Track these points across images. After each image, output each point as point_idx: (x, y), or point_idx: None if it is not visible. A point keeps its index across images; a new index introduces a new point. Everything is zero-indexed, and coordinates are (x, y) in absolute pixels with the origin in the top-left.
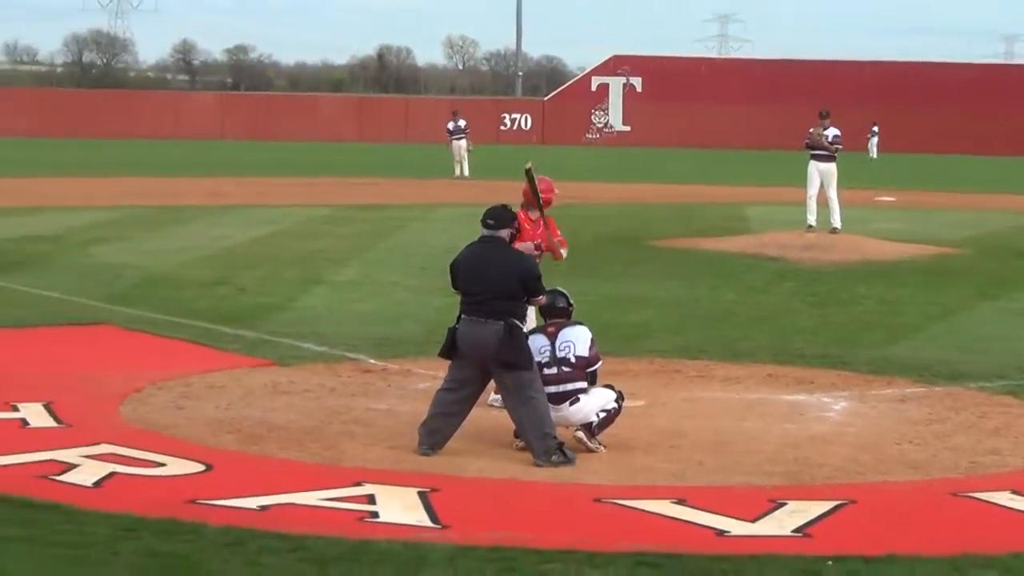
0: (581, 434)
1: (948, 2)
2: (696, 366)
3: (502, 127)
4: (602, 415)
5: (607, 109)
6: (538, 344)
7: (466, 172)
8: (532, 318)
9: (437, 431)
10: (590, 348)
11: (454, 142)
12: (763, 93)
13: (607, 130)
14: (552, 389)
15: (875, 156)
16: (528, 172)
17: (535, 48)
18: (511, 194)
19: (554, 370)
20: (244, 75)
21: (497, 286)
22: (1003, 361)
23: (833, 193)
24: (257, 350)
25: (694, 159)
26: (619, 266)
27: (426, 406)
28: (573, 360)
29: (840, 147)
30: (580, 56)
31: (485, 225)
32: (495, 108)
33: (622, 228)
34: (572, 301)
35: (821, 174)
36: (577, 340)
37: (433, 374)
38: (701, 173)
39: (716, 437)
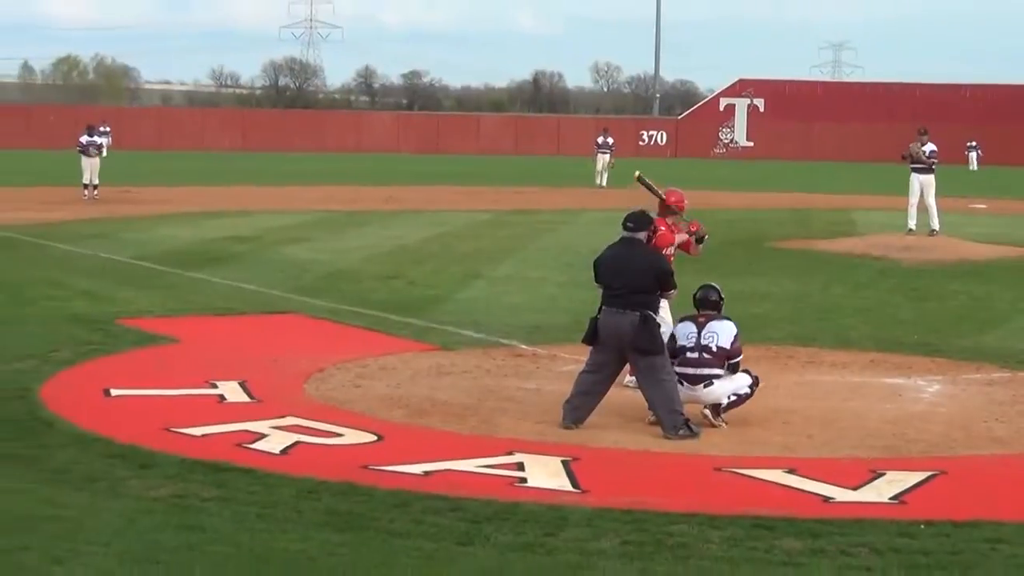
0: (708, 411)
1: None
2: (807, 352)
3: (640, 142)
4: (732, 398)
5: (733, 127)
6: (686, 330)
7: (604, 183)
8: (666, 310)
9: (579, 408)
10: (732, 342)
11: (599, 155)
12: (872, 112)
13: (733, 145)
14: (691, 371)
15: (975, 168)
16: (639, 179)
17: (671, 73)
18: (645, 199)
19: (696, 355)
20: (418, 97)
21: (635, 281)
22: None
23: (932, 200)
24: (424, 336)
25: (809, 171)
26: (741, 264)
27: (570, 386)
28: (715, 349)
29: (936, 161)
30: (710, 80)
31: (625, 228)
32: (635, 126)
33: (744, 231)
34: (723, 295)
35: (921, 184)
36: (721, 332)
37: (577, 358)
38: (815, 183)
39: (824, 414)
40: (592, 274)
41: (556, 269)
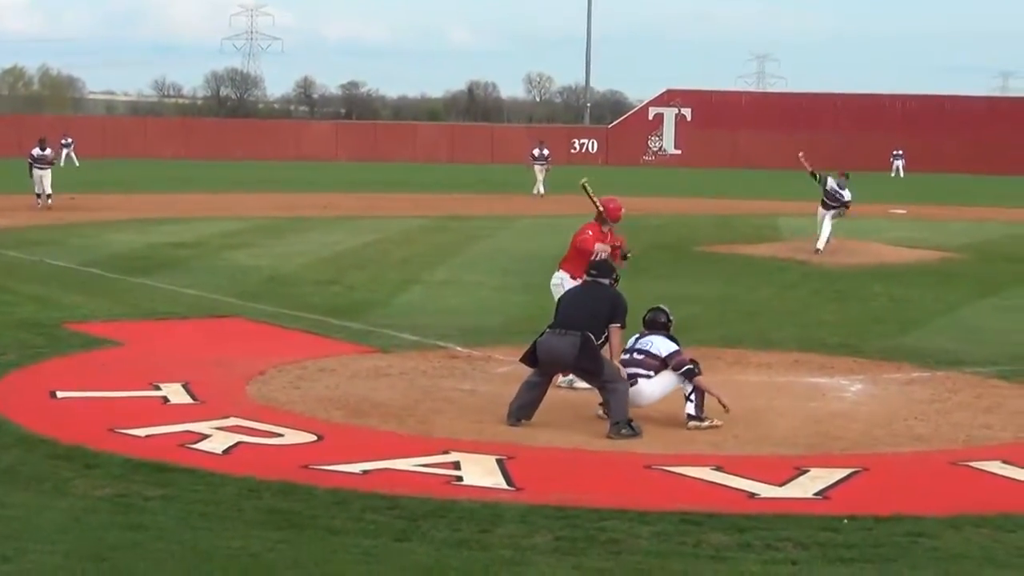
0: (694, 423)
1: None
2: (733, 353)
3: (572, 150)
4: (688, 392)
5: (661, 135)
6: (627, 341)
7: (543, 191)
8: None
9: (524, 406)
10: (670, 353)
11: (536, 166)
12: (795, 121)
13: (661, 153)
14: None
15: (902, 175)
16: (583, 187)
17: (601, 83)
18: (579, 206)
19: (627, 356)
20: (355, 106)
21: (589, 310)
22: (996, 350)
23: (829, 227)
24: (362, 339)
25: (735, 178)
26: (669, 268)
27: (505, 388)
28: (645, 351)
29: (847, 208)
30: (639, 90)
31: (589, 275)
32: (567, 134)
33: (673, 236)
34: (672, 317)
35: (825, 218)
36: (658, 342)
37: (511, 360)
38: (740, 190)
39: (749, 414)
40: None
41: (491, 273)
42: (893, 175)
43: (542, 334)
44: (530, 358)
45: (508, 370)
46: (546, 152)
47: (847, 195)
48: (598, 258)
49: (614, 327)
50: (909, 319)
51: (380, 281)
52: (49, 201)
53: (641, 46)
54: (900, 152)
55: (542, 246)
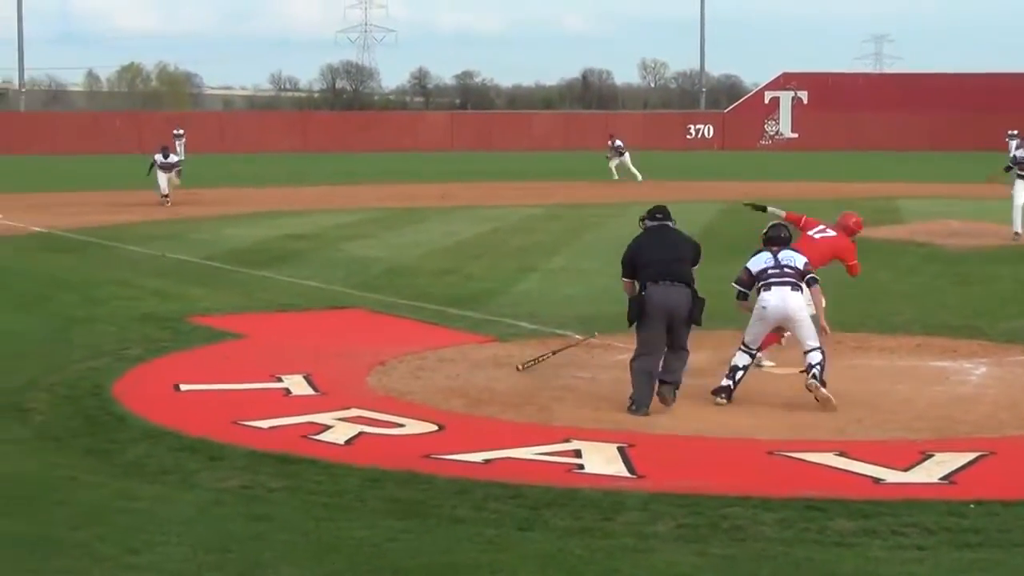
0: (814, 382)
1: None
2: (855, 338)
3: (688, 136)
4: (817, 361)
5: (778, 119)
6: (763, 257)
7: (620, 175)
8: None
9: (644, 394)
10: (805, 264)
11: (615, 157)
12: (912, 101)
13: (778, 137)
14: (777, 281)
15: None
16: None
17: (716, 68)
18: (689, 191)
19: (778, 270)
20: (470, 96)
21: (680, 254)
22: None
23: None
24: (481, 328)
25: (853, 160)
26: None
27: (623, 374)
28: (792, 266)
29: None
30: (754, 74)
31: (653, 218)
32: (682, 120)
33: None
34: (791, 233)
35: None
36: (796, 258)
37: (630, 347)
38: (859, 172)
39: (873, 398)
40: (623, 269)
41: (608, 261)
42: (1011, 156)
43: (644, 288)
44: (637, 314)
45: (627, 357)
46: (619, 143)
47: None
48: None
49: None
50: None
51: (497, 270)
52: (167, 201)
53: (756, 29)
54: (1016, 132)
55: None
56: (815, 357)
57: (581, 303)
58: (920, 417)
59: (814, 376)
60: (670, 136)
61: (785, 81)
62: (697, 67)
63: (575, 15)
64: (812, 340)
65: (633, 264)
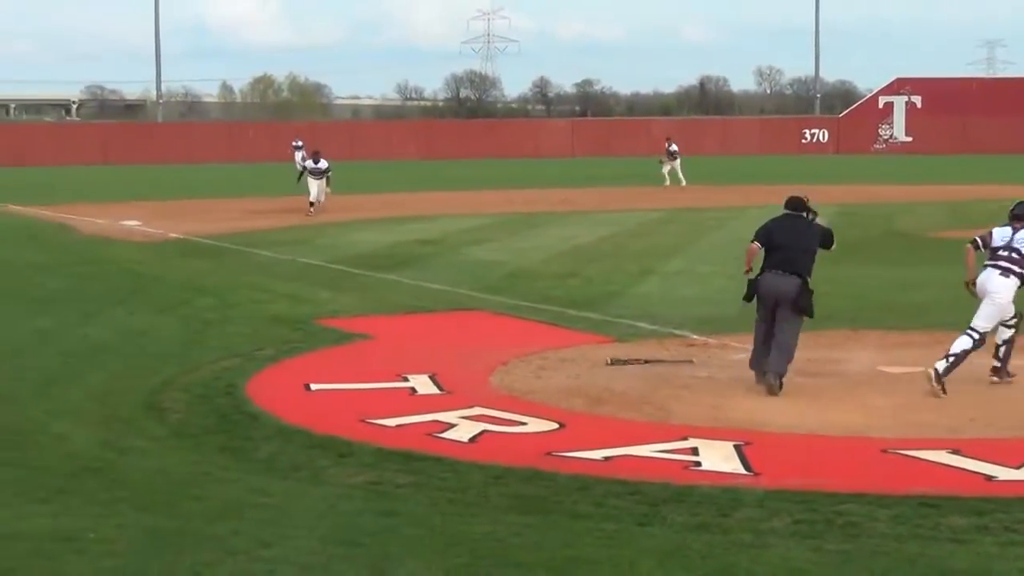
0: (934, 370)
1: None
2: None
3: (803, 140)
4: (952, 357)
5: (892, 123)
6: (1002, 233)
7: (669, 181)
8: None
9: (762, 358)
10: None
11: (668, 161)
12: None
13: (892, 141)
14: (991, 263)
15: None
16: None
17: (830, 73)
18: (809, 195)
19: (1005, 253)
20: (590, 104)
21: (802, 244)
22: None
23: None
24: (600, 329)
25: (967, 164)
26: (903, 254)
27: (741, 373)
28: (1018, 254)
29: None
30: (868, 79)
31: (789, 207)
32: (798, 125)
33: (906, 223)
34: None
35: None
36: None
37: (747, 347)
38: (973, 175)
39: (985, 396)
40: (757, 233)
41: (725, 263)
42: None
43: (761, 272)
44: (750, 296)
45: (744, 357)
46: (674, 147)
47: None
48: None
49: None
50: None
51: (617, 273)
52: (312, 209)
53: (869, 36)
54: None
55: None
56: (960, 343)
57: (698, 304)
58: None
59: (938, 368)
60: (786, 141)
61: (899, 86)
62: (812, 73)
63: (693, 24)
64: (978, 322)
65: (762, 237)
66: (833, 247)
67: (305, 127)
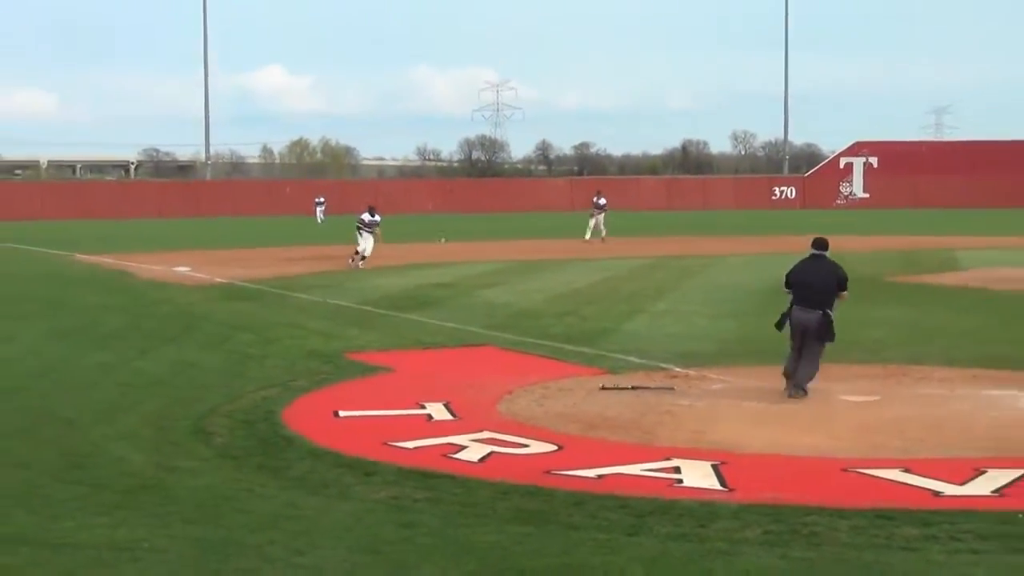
0: None
1: None
2: (919, 370)
3: (773, 196)
4: None
5: (851, 182)
6: None
7: (589, 236)
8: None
9: (791, 374)
10: None
11: (595, 214)
12: (971, 166)
13: (852, 197)
14: None
15: None
16: None
17: (798, 137)
18: (774, 244)
19: None
20: (586, 164)
21: (826, 285)
22: None
23: None
24: (594, 362)
25: (917, 218)
26: (863, 296)
27: (719, 401)
28: None
29: None
30: (831, 142)
31: (814, 247)
32: (768, 183)
33: (865, 269)
34: None
35: None
36: None
37: (723, 379)
38: (923, 227)
39: (934, 422)
40: (784, 281)
41: (705, 304)
42: None
43: (791, 307)
44: (781, 325)
45: (721, 387)
46: (603, 201)
47: None
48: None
49: (843, 293)
50: None
51: (609, 312)
52: (362, 264)
53: (833, 103)
54: None
55: (748, 280)
56: None
57: (682, 340)
58: (975, 438)
59: None
60: (758, 197)
61: (858, 149)
62: (781, 136)
63: (676, 93)
64: None
65: (789, 280)
66: (847, 293)
67: (336, 185)
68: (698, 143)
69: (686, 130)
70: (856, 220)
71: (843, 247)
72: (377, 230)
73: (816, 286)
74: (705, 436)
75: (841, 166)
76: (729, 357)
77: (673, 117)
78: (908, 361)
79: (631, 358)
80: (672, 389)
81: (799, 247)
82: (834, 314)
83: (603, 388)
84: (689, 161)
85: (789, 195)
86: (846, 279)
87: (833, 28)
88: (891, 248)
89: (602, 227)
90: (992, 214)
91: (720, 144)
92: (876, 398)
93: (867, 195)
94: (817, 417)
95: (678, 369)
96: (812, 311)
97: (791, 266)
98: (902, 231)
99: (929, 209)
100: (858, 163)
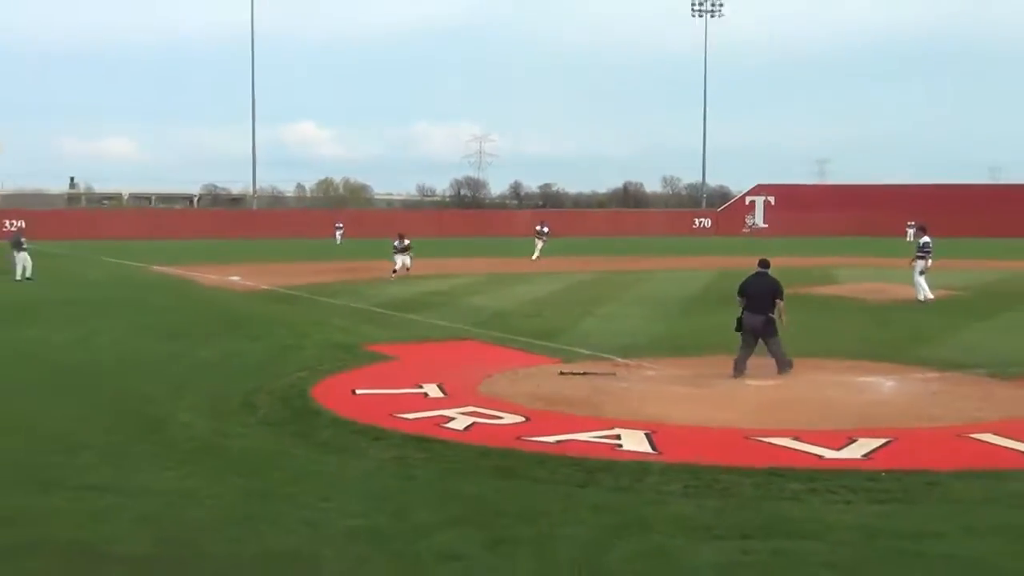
0: None
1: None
2: (809, 362)
3: (694, 226)
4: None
5: (755, 215)
6: None
7: (536, 257)
8: None
9: (740, 365)
10: None
11: (537, 240)
12: (847, 204)
13: (755, 227)
14: None
15: (911, 240)
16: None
17: (713, 180)
18: (694, 263)
19: None
20: (549, 199)
21: (764, 295)
22: (988, 358)
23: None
24: (556, 353)
25: (805, 243)
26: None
27: (652, 386)
28: None
29: (928, 251)
30: (739, 183)
31: (760, 265)
32: (690, 216)
33: None
34: None
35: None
36: None
37: (655, 368)
38: (809, 251)
39: (819, 401)
40: (738, 291)
41: (641, 308)
42: (908, 240)
43: (743, 313)
44: (738, 326)
45: (653, 374)
46: (546, 229)
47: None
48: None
49: (779, 302)
50: (929, 337)
51: (567, 315)
52: (394, 275)
53: (740, 153)
54: (913, 223)
55: (674, 291)
56: None
57: (622, 336)
58: (850, 413)
59: None
60: (682, 227)
61: (760, 190)
62: (700, 179)
63: (620, 144)
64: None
65: (742, 291)
66: (782, 302)
67: (355, 214)
68: (636, 184)
69: (627, 173)
70: (758, 245)
71: (746, 265)
72: (409, 252)
73: (761, 296)
74: (641, 411)
75: (747, 203)
76: (659, 350)
77: (616, 163)
78: (799, 355)
79: (583, 350)
80: (614, 375)
81: (714, 265)
82: (778, 316)
83: (561, 373)
84: (629, 198)
85: (706, 225)
86: (782, 291)
87: (743, 92)
88: (786, 266)
89: (537, 252)
90: (863, 241)
91: (653, 185)
92: (774, 383)
93: (766, 225)
94: (728, 397)
95: (619, 359)
96: (758, 315)
97: (742, 280)
98: (794, 253)
99: (815, 237)
100: (760, 201)
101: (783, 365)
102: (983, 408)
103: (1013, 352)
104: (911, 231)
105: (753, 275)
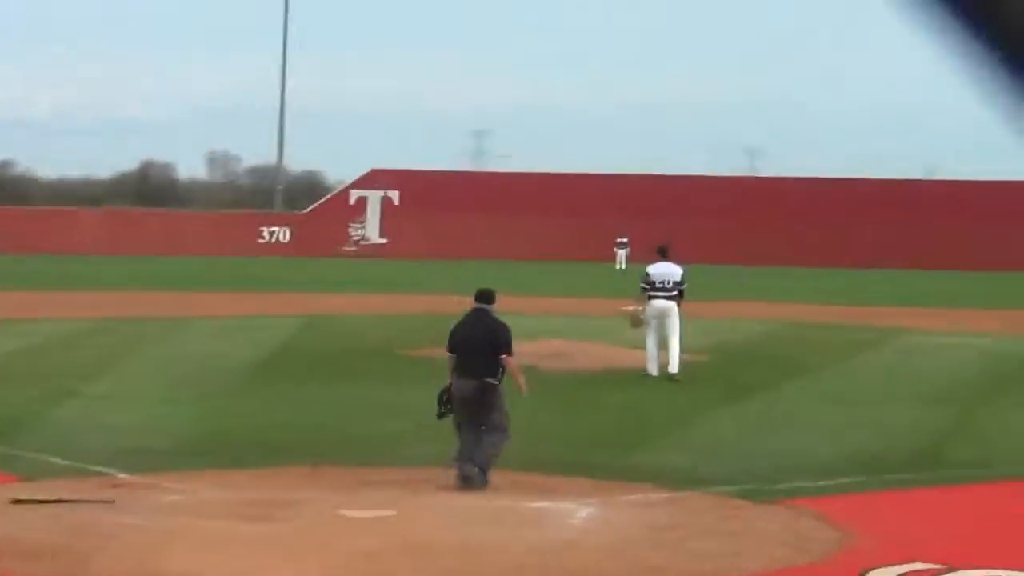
0: None
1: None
2: (447, 474)
3: (260, 239)
4: None
5: (365, 222)
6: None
7: None
8: None
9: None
10: None
11: None
12: (519, 204)
13: (365, 242)
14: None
15: (624, 267)
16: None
17: (297, 163)
18: (264, 304)
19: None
20: (3, 189)
21: (478, 347)
22: (738, 466)
23: (675, 337)
24: (3, 465)
25: (449, 271)
26: (375, 375)
27: (178, 520)
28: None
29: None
30: (340, 170)
31: (478, 300)
32: (255, 222)
33: (376, 338)
34: None
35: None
36: None
37: (181, 487)
38: (456, 284)
39: (465, 545)
40: (447, 344)
41: (162, 384)
42: (618, 267)
43: (452, 377)
44: (441, 410)
45: (178, 499)
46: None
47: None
48: None
49: (505, 358)
50: (645, 431)
51: (26, 394)
52: None
53: (343, 122)
54: (625, 240)
55: (222, 350)
56: None
57: (127, 434)
58: (517, 567)
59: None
60: (242, 240)
61: (375, 178)
62: (274, 161)
63: (134, 99)
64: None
65: (450, 343)
66: (511, 358)
67: None
68: (162, 165)
69: (147, 148)
70: (369, 271)
71: (348, 308)
72: None
73: (475, 348)
74: (157, 565)
75: (352, 201)
76: (190, 457)
77: (130, 130)
78: (429, 462)
79: (55, 459)
80: (113, 502)
81: (294, 307)
82: (502, 381)
83: (17, 501)
84: (148, 188)
85: (282, 238)
86: (509, 340)
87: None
88: (413, 311)
89: None
90: (546, 267)
91: (193, 167)
92: (390, 513)
93: (384, 240)
94: (306, 539)
95: (121, 475)
96: (469, 380)
97: (453, 326)
98: (430, 287)
99: (467, 260)
100: (374, 198)
101: (478, 467)
102: (737, 551)
103: (776, 455)
104: (622, 253)
105: (468, 315)
